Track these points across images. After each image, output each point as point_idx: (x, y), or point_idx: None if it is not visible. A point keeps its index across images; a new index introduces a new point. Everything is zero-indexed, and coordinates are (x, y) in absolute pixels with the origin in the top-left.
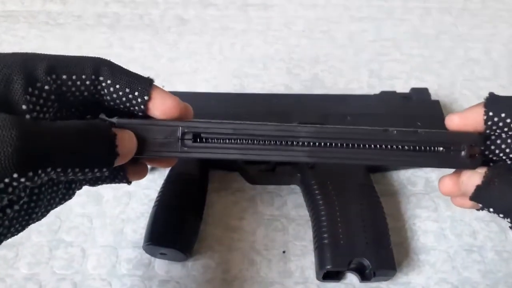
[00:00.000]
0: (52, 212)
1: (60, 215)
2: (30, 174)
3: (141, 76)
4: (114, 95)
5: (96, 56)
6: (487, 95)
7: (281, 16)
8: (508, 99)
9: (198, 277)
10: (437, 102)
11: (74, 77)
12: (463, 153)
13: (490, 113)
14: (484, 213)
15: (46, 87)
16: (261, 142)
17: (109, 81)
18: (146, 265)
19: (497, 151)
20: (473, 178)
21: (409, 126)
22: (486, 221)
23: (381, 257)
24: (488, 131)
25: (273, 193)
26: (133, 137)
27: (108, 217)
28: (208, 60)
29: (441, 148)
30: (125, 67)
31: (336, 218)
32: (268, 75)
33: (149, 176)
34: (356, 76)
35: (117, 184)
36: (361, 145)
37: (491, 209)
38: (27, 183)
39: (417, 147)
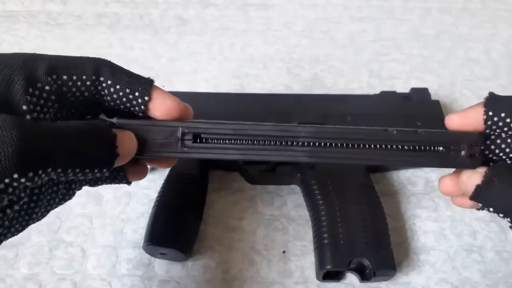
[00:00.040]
0: (52, 212)
1: (60, 215)
2: (31, 174)
3: (141, 76)
4: (115, 96)
5: (96, 56)
6: (487, 95)
7: (281, 16)
8: (508, 99)
9: (198, 277)
10: (437, 102)
11: (74, 77)
12: (463, 152)
13: (490, 113)
14: (484, 213)
15: (47, 87)
16: (261, 142)
17: (109, 82)
18: (146, 265)
19: (497, 151)
20: (473, 177)
21: (409, 126)
22: (486, 221)
23: (381, 257)
24: (488, 131)
25: (273, 193)
26: (133, 137)
27: (108, 217)
28: (208, 60)
29: (441, 148)
30: (125, 67)
31: (336, 218)
32: (268, 75)
33: (149, 176)
34: (356, 76)
35: (117, 185)
36: (361, 145)
37: (491, 209)
38: (27, 184)
39: (417, 147)
